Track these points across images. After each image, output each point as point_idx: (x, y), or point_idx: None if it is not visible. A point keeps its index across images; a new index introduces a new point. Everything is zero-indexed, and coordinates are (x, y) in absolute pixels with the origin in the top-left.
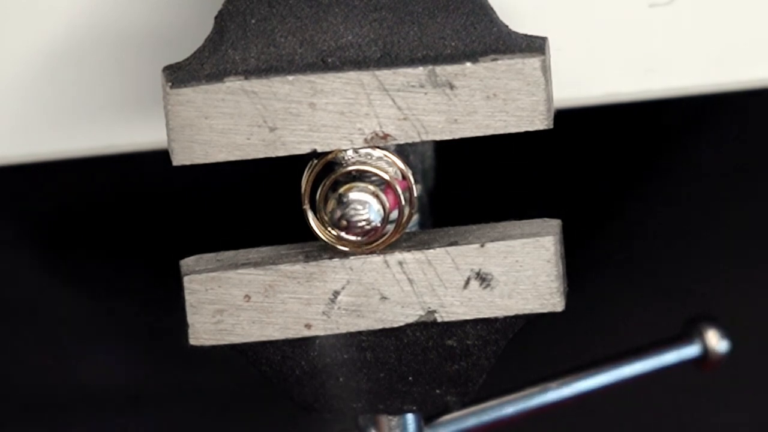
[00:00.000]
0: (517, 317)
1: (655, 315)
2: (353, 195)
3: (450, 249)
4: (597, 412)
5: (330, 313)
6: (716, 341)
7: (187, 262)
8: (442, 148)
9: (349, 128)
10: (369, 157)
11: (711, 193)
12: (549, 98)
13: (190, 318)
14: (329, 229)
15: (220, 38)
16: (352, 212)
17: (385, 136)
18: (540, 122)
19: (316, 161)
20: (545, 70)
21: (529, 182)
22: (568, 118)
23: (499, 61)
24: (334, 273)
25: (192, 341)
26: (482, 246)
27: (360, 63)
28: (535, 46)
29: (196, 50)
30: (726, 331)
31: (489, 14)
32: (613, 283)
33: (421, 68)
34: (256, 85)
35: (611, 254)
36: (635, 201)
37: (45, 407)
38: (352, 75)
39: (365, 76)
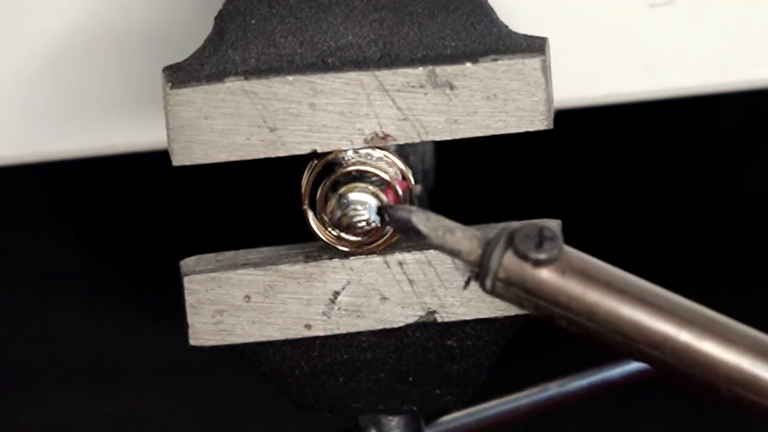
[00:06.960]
0: (517, 317)
1: None
2: (353, 195)
3: None
4: (597, 412)
5: (330, 314)
6: None
7: (187, 263)
8: (442, 148)
9: (349, 128)
10: (369, 157)
11: (711, 193)
12: (549, 98)
13: (190, 318)
14: (329, 229)
15: (220, 38)
16: (353, 212)
17: (385, 137)
18: (540, 122)
19: (316, 161)
20: (545, 70)
21: (529, 182)
22: (568, 118)
23: (499, 62)
24: (334, 273)
25: (192, 341)
26: None
27: (360, 63)
28: (535, 46)
29: (196, 50)
30: None
31: (489, 14)
32: None
33: (421, 68)
34: (256, 85)
35: (611, 254)
36: (635, 201)
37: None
38: (352, 75)
39: (365, 77)
